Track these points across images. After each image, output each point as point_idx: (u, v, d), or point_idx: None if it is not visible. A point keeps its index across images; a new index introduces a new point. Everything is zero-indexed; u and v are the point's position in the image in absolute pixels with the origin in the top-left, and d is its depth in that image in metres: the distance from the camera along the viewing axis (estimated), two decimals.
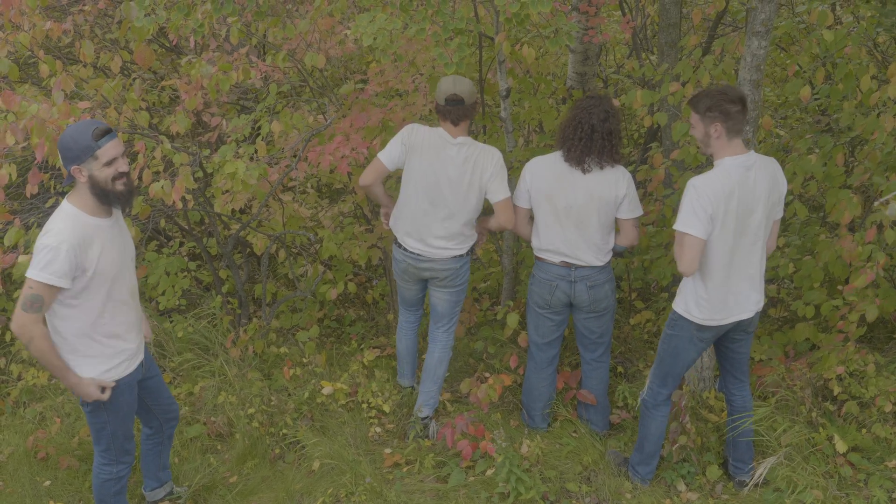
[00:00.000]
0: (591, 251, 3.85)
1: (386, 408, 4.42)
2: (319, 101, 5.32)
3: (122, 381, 3.22)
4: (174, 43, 5.01)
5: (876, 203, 3.84)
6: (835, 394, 4.10)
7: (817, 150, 4.41)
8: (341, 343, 5.24)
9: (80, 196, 3.01)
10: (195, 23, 3.98)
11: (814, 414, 4.05)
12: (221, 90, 4.18)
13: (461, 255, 4.04)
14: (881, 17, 4.40)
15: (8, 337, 5.06)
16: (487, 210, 4.12)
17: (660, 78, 4.48)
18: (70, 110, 3.72)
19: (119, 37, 4.58)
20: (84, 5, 4.71)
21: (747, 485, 3.80)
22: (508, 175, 4.53)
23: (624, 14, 6.11)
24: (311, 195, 6.26)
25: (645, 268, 5.10)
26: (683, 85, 4.25)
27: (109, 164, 2.96)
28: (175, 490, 3.88)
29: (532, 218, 3.99)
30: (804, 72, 5.16)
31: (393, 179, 4.66)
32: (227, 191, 4.78)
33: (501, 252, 5.02)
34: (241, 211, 5.61)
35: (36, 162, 3.76)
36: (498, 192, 3.87)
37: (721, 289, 3.42)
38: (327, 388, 4.46)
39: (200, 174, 4.93)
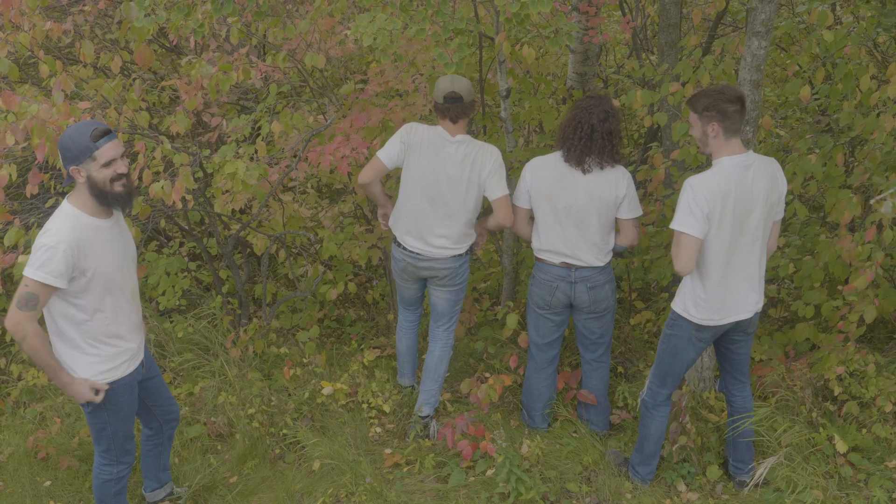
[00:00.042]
0: (592, 252, 3.85)
1: (386, 408, 4.42)
2: (319, 102, 5.32)
3: (122, 382, 3.22)
4: (174, 43, 5.01)
5: (872, 201, 3.84)
6: (835, 394, 4.10)
7: (817, 151, 4.41)
8: (341, 343, 5.24)
9: (80, 196, 3.02)
10: (195, 23, 3.98)
11: (814, 414, 4.05)
12: (221, 90, 4.18)
13: (460, 255, 4.05)
14: (881, 17, 4.40)
15: (8, 338, 5.06)
16: (487, 210, 4.13)
17: (660, 78, 4.49)
18: (70, 111, 3.72)
19: (119, 37, 4.58)
20: (84, 5, 4.71)
21: (747, 485, 3.80)
22: (508, 175, 4.54)
23: (624, 14, 6.11)
24: (311, 195, 6.26)
25: (645, 268, 5.10)
26: (683, 85, 4.25)
27: (107, 165, 2.96)
28: (175, 490, 3.88)
29: (532, 218, 3.99)
30: (804, 72, 5.16)
31: (393, 180, 4.67)
32: (227, 191, 4.78)
33: (501, 252, 5.02)
34: (242, 211, 5.62)
35: (36, 162, 3.76)
36: (496, 190, 3.88)
37: (719, 288, 3.42)
38: (327, 389, 4.46)
39: (200, 174, 4.93)
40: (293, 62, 4.58)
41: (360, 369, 4.72)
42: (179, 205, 3.91)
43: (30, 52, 4.64)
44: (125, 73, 5.56)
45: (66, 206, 3.02)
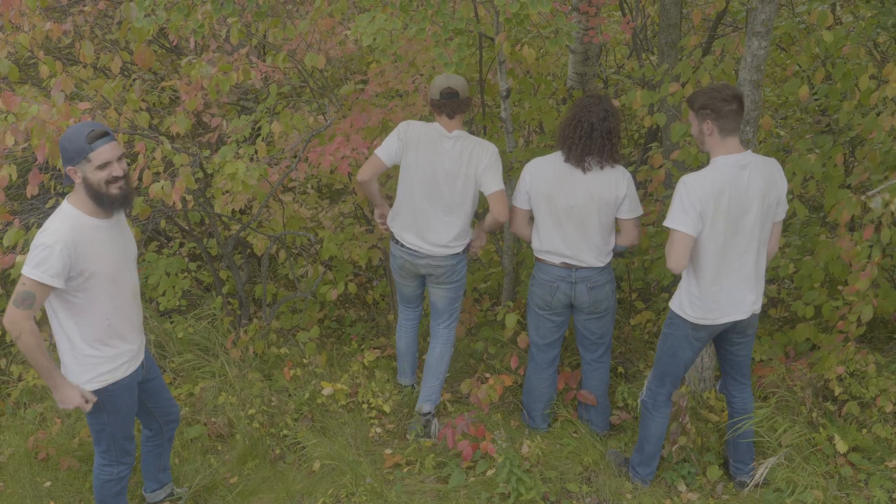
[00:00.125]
0: (592, 252, 3.85)
1: (386, 408, 4.42)
2: (320, 102, 5.32)
3: (122, 383, 3.22)
4: (174, 44, 5.01)
5: (863, 197, 3.84)
6: (835, 394, 4.10)
7: (817, 151, 4.42)
8: (342, 344, 5.24)
9: (79, 197, 3.02)
10: (195, 23, 3.98)
11: (814, 414, 4.05)
12: (221, 91, 4.18)
13: (457, 253, 4.06)
14: (880, 16, 4.40)
15: (8, 338, 5.06)
16: (487, 211, 4.12)
17: (660, 78, 4.49)
18: (70, 111, 3.72)
19: (119, 37, 4.58)
20: (84, 6, 4.71)
21: (748, 485, 3.80)
22: (508, 175, 4.55)
23: (624, 14, 6.11)
24: (311, 196, 6.26)
25: (645, 268, 5.10)
26: (683, 85, 4.26)
27: (102, 167, 2.96)
28: (175, 491, 3.87)
29: (532, 219, 3.99)
30: (803, 71, 5.17)
31: (393, 180, 4.67)
32: (227, 191, 4.77)
33: (501, 252, 5.02)
34: (242, 211, 5.62)
35: (37, 163, 3.76)
36: (491, 184, 3.89)
37: (713, 287, 3.43)
38: (327, 389, 4.46)
39: (201, 175, 4.93)
40: (293, 62, 4.58)
41: (361, 370, 4.72)
42: (179, 205, 3.91)
43: (30, 53, 4.65)
44: (125, 73, 5.56)
45: (65, 205, 3.03)
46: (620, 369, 4.71)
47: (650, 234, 4.72)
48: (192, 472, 4.06)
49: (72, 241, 2.93)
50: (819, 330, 4.53)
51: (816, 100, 5.09)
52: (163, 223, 5.32)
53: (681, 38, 4.65)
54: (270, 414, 4.40)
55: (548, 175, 3.82)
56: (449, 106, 3.87)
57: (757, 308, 3.52)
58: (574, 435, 4.17)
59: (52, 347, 3.24)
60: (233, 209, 4.99)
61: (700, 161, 4.21)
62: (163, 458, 3.74)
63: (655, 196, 4.79)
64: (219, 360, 4.74)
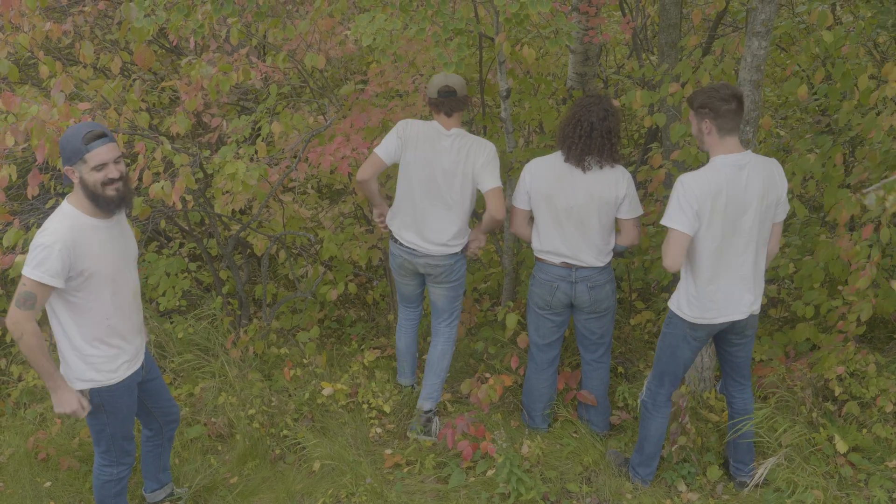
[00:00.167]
0: (592, 252, 3.85)
1: (386, 408, 4.42)
2: (320, 102, 5.32)
3: (122, 384, 3.22)
4: (174, 44, 5.01)
5: (858, 195, 3.84)
6: (835, 394, 4.10)
7: (817, 151, 4.42)
8: (342, 344, 5.24)
9: (78, 197, 3.02)
10: (195, 23, 3.98)
11: (814, 414, 4.05)
12: (221, 91, 4.18)
13: (455, 253, 4.06)
14: (879, 16, 4.40)
15: (8, 338, 5.06)
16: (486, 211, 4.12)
17: (660, 78, 4.49)
18: (70, 111, 3.72)
19: (119, 38, 4.58)
20: (84, 6, 4.71)
21: (748, 485, 3.80)
22: (508, 175, 4.55)
23: (624, 14, 6.11)
24: (311, 196, 6.26)
25: (645, 268, 5.10)
26: (683, 86, 4.25)
27: (98, 168, 2.95)
28: (175, 491, 3.87)
29: (532, 219, 3.99)
30: (802, 71, 5.17)
31: (393, 180, 4.66)
32: (227, 191, 4.78)
33: (502, 252, 5.02)
34: (242, 212, 5.62)
35: (36, 163, 3.76)
36: (488, 181, 3.89)
37: (709, 287, 3.43)
38: (328, 389, 4.46)
39: (201, 175, 4.93)
40: (293, 63, 4.58)
41: (361, 370, 4.72)
42: (179, 205, 3.91)
43: (30, 53, 4.65)
44: (125, 73, 5.56)
45: (64, 205, 3.03)
46: (620, 369, 4.71)
47: (650, 234, 4.72)
48: (192, 473, 4.06)
49: (71, 240, 2.93)
50: (819, 330, 4.53)
51: (816, 100, 5.09)
52: (163, 223, 5.32)
53: (681, 38, 4.65)
54: (270, 414, 4.40)
55: (548, 175, 3.82)
56: (447, 104, 3.90)
57: (755, 309, 3.52)
58: (574, 435, 4.17)
59: (53, 347, 3.24)
60: (233, 209, 4.99)
61: (700, 161, 4.21)
62: (163, 458, 3.74)
63: (655, 196, 4.79)
64: (219, 360, 4.74)
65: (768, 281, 4.96)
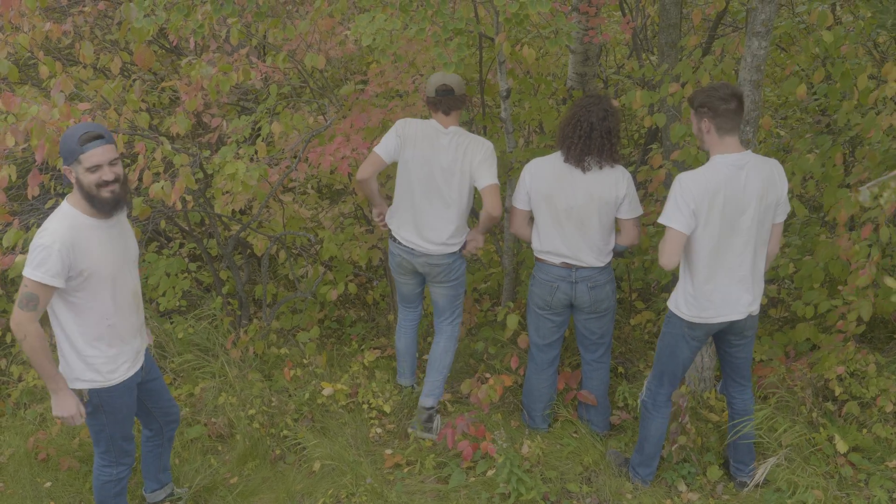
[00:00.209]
0: (592, 252, 3.85)
1: (386, 408, 4.42)
2: (320, 102, 5.32)
3: (121, 385, 3.22)
4: (174, 44, 5.01)
5: (851, 192, 3.84)
6: (835, 394, 4.10)
7: (817, 151, 4.42)
8: (342, 344, 5.24)
9: (77, 197, 3.03)
10: (195, 23, 3.98)
11: (814, 414, 4.05)
12: (221, 91, 4.18)
13: (454, 252, 4.07)
14: (878, 15, 4.40)
15: (9, 338, 5.06)
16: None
17: (660, 78, 4.48)
18: (70, 112, 3.72)
19: (119, 38, 4.58)
20: (84, 6, 4.71)
21: (748, 485, 3.80)
22: (508, 175, 4.55)
23: (624, 14, 6.11)
24: (311, 196, 6.26)
25: (645, 268, 5.10)
26: (683, 86, 4.25)
27: (93, 170, 2.95)
28: (175, 491, 3.87)
29: (532, 220, 3.99)
30: (802, 70, 5.16)
31: (393, 180, 4.66)
32: (227, 192, 4.78)
33: (502, 253, 5.02)
34: (242, 212, 5.62)
35: (36, 163, 3.76)
36: (485, 178, 3.90)
37: (707, 286, 3.43)
38: (328, 389, 4.46)
39: (201, 175, 4.93)
40: (293, 63, 4.58)
41: (361, 370, 4.72)
42: (179, 205, 3.91)
43: (29, 54, 4.65)
44: (125, 73, 5.56)
45: (64, 205, 3.04)
46: (620, 369, 4.71)
47: (650, 234, 4.72)
48: (193, 473, 4.06)
49: (70, 240, 2.93)
50: (819, 330, 4.53)
51: (816, 100, 5.09)
52: (163, 224, 5.32)
53: (681, 38, 4.65)
54: (270, 414, 4.40)
55: (547, 175, 3.82)
56: (444, 103, 3.92)
57: (754, 309, 3.51)
58: (574, 435, 4.17)
59: (53, 347, 3.24)
60: (233, 209, 5.00)
61: (700, 161, 4.21)
62: (163, 458, 3.74)
63: (655, 196, 4.79)
64: (219, 360, 4.74)
65: (768, 281, 4.96)
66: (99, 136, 2.95)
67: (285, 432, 4.31)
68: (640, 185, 4.72)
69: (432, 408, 4.28)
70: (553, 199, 3.81)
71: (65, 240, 2.92)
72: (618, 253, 4.03)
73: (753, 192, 3.31)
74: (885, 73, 4.05)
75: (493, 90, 4.99)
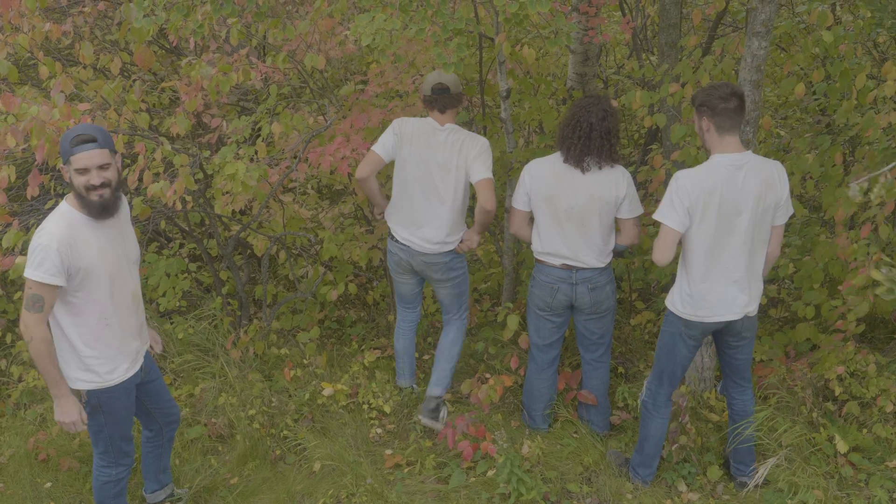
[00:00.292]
0: (593, 253, 3.85)
1: (387, 409, 4.42)
2: (320, 103, 5.32)
3: (120, 386, 3.22)
4: (174, 44, 5.01)
5: (845, 186, 3.83)
6: (836, 394, 4.10)
7: (816, 150, 4.42)
8: (342, 344, 5.24)
9: (76, 196, 3.03)
10: (195, 24, 3.98)
11: (814, 414, 4.05)
12: (221, 91, 4.18)
13: (451, 251, 4.09)
14: (877, 13, 4.40)
15: (9, 339, 5.06)
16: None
17: (659, 79, 4.48)
18: (70, 112, 3.72)
19: (119, 38, 4.58)
20: (84, 7, 4.71)
21: (748, 485, 3.80)
22: (508, 175, 4.56)
23: (624, 15, 6.11)
24: (311, 196, 6.26)
25: (645, 268, 5.10)
26: (683, 86, 4.25)
27: (81, 173, 2.96)
28: (176, 492, 3.87)
29: (531, 220, 3.99)
30: (801, 70, 5.16)
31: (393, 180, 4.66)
32: (227, 192, 4.78)
33: (502, 253, 5.02)
34: (242, 212, 5.61)
35: (36, 164, 3.76)
36: (479, 172, 3.93)
37: (702, 285, 3.43)
38: (328, 390, 4.46)
39: (201, 175, 4.92)
40: (293, 63, 4.58)
41: (361, 370, 4.72)
42: (179, 205, 3.91)
43: (29, 54, 4.64)
44: (125, 74, 5.56)
45: (63, 204, 3.05)
46: (620, 369, 4.71)
47: (650, 234, 4.71)
48: (193, 473, 4.06)
49: (67, 238, 2.94)
50: (819, 330, 4.52)
51: (816, 99, 5.09)
52: (163, 224, 5.32)
53: (681, 38, 4.65)
54: (271, 415, 4.40)
55: (547, 176, 3.82)
56: (440, 101, 3.95)
57: (750, 310, 3.50)
58: (574, 435, 4.17)
59: None
60: (233, 210, 4.99)
61: (700, 161, 4.20)
62: (163, 458, 3.74)
63: (655, 196, 4.78)
64: (219, 360, 4.73)
65: (768, 281, 4.95)
66: (91, 140, 2.95)
67: (285, 433, 4.30)
68: (640, 185, 4.72)
69: (439, 397, 4.30)
70: (553, 199, 3.81)
71: (62, 238, 2.92)
72: (618, 253, 4.03)
73: (751, 192, 3.31)
74: (884, 73, 4.05)
75: (493, 90, 4.99)
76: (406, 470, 4.05)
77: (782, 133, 6.03)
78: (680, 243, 3.50)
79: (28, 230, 4.04)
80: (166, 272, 5.16)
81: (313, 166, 4.37)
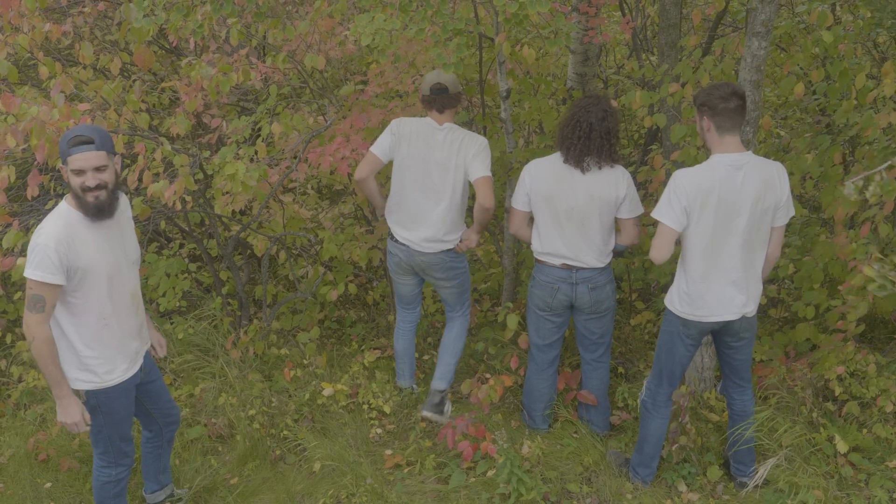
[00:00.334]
0: (593, 253, 3.85)
1: (386, 409, 4.42)
2: (319, 103, 5.32)
3: (119, 386, 3.22)
4: (174, 44, 5.01)
5: (838, 185, 3.83)
6: (836, 394, 4.10)
7: (816, 150, 4.42)
8: (342, 344, 5.24)
9: (73, 196, 3.04)
10: (195, 24, 3.98)
11: (814, 414, 4.05)
12: (221, 92, 4.18)
13: (450, 249, 4.10)
14: (876, 13, 4.40)
15: (9, 339, 5.06)
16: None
17: (659, 79, 4.48)
18: (70, 112, 3.72)
19: (119, 38, 4.58)
20: (83, 7, 4.71)
21: (748, 486, 3.80)
22: (508, 176, 4.56)
23: (624, 15, 6.11)
24: (311, 196, 6.26)
25: (645, 268, 5.10)
26: (683, 86, 4.25)
27: (76, 174, 2.97)
28: (176, 492, 3.87)
29: (531, 220, 3.99)
30: (801, 69, 5.16)
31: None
32: (227, 192, 4.78)
33: (502, 253, 5.02)
34: (242, 212, 5.61)
35: (36, 164, 3.76)
36: (478, 170, 3.94)
37: (700, 284, 3.43)
38: (328, 390, 4.46)
39: (201, 176, 4.93)
40: (293, 63, 4.58)
41: (361, 370, 4.72)
42: (179, 205, 3.91)
43: (29, 54, 4.65)
44: (125, 74, 5.56)
45: (62, 204, 3.05)
46: (620, 369, 4.71)
47: (651, 234, 4.71)
48: (193, 473, 4.06)
49: (65, 238, 2.94)
50: (819, 330, 4.52)
51: (816, 99, 5.09)
52: (163, 224, 5.32)
53: (681, 39, 4.65)
54: (271, 415, 4.40)
55: (547, 176, 3.82)
56: (439, 101, 3.96)
57: (748, 311, 3.50)
58: (574, 435, 4.17)
59: None
60: (233, 210, 5.00)
61: (700, 161, 4.20)
62: (163, 459, 3.74)
63: (655, 196, 4.78)
64: (219, 360, 4.73)
65: (768, 281, 4.95)
66: (88, 142, 2.95)
67: (285, 433, 4.30)
68: (640, 186, 4.72)
69: (444, 391, 4.32)
70: (553, 199, 3.81)
71: (60, 237, 2.93)
72: (618, 253, 4.03)
73: (749, 193, 3.31)
74: (883, 73, 4.05)
75: (493, 90, 4.99)
76: (406, 470, 4.06)
77: (782, 133, 6.03)
78: (679, 242, 3.50)
79: (28, 231, 4.04)
80: (166, 272, 5.16)
81: (313, 166, 4.37)
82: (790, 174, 4.24)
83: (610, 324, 4.10)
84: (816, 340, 4.43)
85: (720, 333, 3.61)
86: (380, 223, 5.01)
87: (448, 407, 4.34)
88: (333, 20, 4.63)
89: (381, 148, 4.03)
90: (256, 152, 4.45)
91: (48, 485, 4.04)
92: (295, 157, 4.63)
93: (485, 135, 5.05)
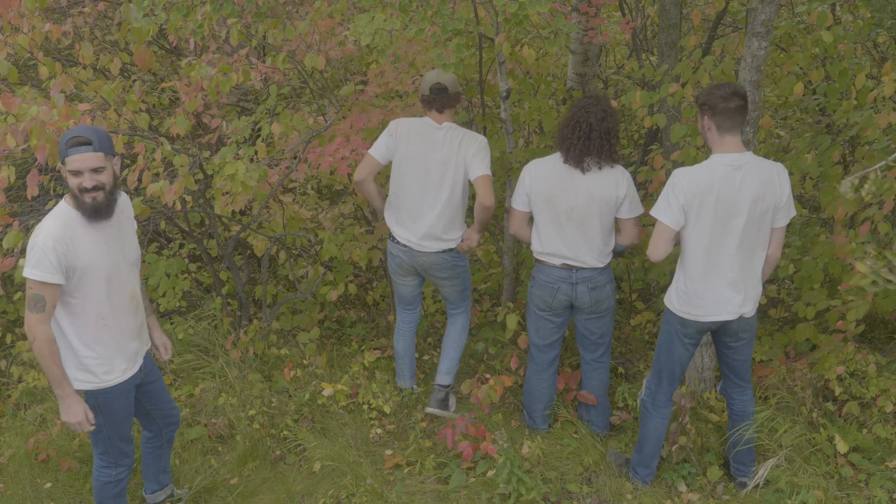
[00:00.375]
0: (593, 253, 3.85)
1: (386, 409, 4.42)
2: (319, 103, 5.32)
3: (118, 386, 3.22)
4: (174, 44, 5.01)
5: (835, 184, 3.83)
6: (835, 394, 4.10)
7: (816, 150, 4.42)
8: (342, 344, 5.24)
9: (72, 196, 3.04)
10: (194, 24, 3.98)
11: (814, 414, 4.05)
12: (221, 92, 4.18)
13: (451, 248, 4.10)
14: (876, 13, 4.40)
15: (8, 339, 5.06)
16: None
17: (659, 79, 4.48)
18: (70, 112, 3.72)
19: (119, 38, 4.58)
20: (83, 7, 4.71)
21: (748, 486, 3.80)
22: (508, 176, 4.56)
23: (624, 15, 6.11)
24: (311, 196, 6.26)
25: (645, 268, 5.10)
26: (683, 86, 4.25)
27: (74, 174, 2.98)
28: (176, 492, 3.87)
29: (531, 221, 3.99)
30: (801, 69, 5.16)
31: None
32: (227, 192, 4.78)
33: (502, 253, 5.02)
34: (242, 212, 5.62)
35: (36, 164, 3.76)
36: (477, 169, 3.95)
37: (698, 284, 3.43)
38: (328, 390, 4.46)
39: (201, 176, 4.93)
40: (293, 63, 4.58)
41: (361, 370, 4.72)
42: (179, 206, 3.91)
43: (29, 54, 4.64)
44: (125, 74, 5.56)
45: (61, 203, 3.06)
46: (620, 369, 4.71)
47: (650, 234, 4.71)
48: (193, 473, 4.06)
49: (63, 237, 2.94)
50: (819, 330, 4.52)
51: (816, 99, 5.09)
52: (163, 224, 5.32)
53: (681, 39, 4.65)
54: (271, 415, 4.40)
55: (547, 177, 3.82)
56: (438, 101, 3.98)
57: (746, 311, 3.49)
58: (574, 435, 4.17)
59: None
60: (233, 210, 4.99)
61: (699, 161, 4.20)
62: (163, 459, 3.74)
63: (655, 196, 4.78)
64: (219, 361, 4.73)
65: (768, 281, 4.95)
66: (86, 143, 2.95)
67: (285, 433, 4.30)
68: (640, 186, 4.72)
69: (449, 385, 4.33)
70: (553, 200, 3.81)
71: (58, 237, 2.93)
72: (618, 253, 4.03)
73: (748, 193, 3.31)
74: (883, 73, 4.05)
75: (492, 90, 4.99)
76: (406, 470, 4.06)
77: (782, 133, 6.03)
78: (679, 242, 3.50)
79: (28, 231, 4.04)
80: (166, 272, 5.16)
81: (313, 166, 4.37)
82: (790, 174, 4.23)
83: (610, 324, 4.10)
84: (816, 340, 4.43)
85: (719, 333, 3.61)
86: (380, 223, 5.01)
87: (453, 402, 4.36)
88: (333, 20, 4.63)
89: (379, 150, 4.04)
90: (256, 152, 4.45)
91: (48, 485, 4.04)
92: (295, 158, 4.63)
93: (485, 135, 5.05)
